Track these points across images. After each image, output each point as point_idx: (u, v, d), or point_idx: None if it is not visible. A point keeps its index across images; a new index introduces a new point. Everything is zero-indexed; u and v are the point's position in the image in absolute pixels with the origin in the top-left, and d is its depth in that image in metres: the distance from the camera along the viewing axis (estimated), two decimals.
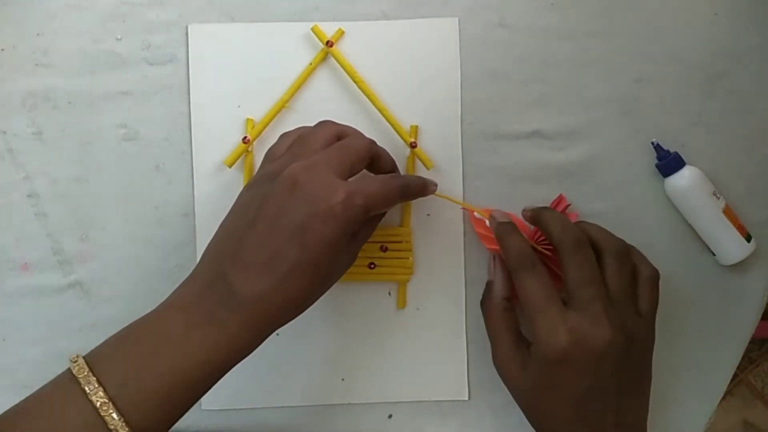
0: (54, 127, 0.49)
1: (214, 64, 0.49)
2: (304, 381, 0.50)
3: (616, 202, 0.50)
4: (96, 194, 0.49)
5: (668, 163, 0.48)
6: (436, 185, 0.46)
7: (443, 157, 0.50)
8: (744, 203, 0.49)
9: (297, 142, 0.43)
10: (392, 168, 0.46)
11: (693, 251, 0.50)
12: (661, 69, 0.50)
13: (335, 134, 0.43)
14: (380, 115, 0.49)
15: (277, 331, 0.39)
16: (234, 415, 0.50)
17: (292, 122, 0.49)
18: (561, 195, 0.49)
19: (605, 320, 0.40)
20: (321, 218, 0.37)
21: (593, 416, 0.41)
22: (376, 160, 0.44)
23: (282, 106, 0.49)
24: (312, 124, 0.45)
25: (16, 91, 0.49)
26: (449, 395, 0.50)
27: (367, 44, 0.50)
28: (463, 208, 0.49)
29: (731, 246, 0.48)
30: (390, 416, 0.50)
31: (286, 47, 0.49)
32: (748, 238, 0.48)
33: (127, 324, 0.38)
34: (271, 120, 0.49)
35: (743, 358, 0.51)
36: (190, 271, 0.40)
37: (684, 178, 0.48)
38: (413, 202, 0.49)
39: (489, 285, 0.47)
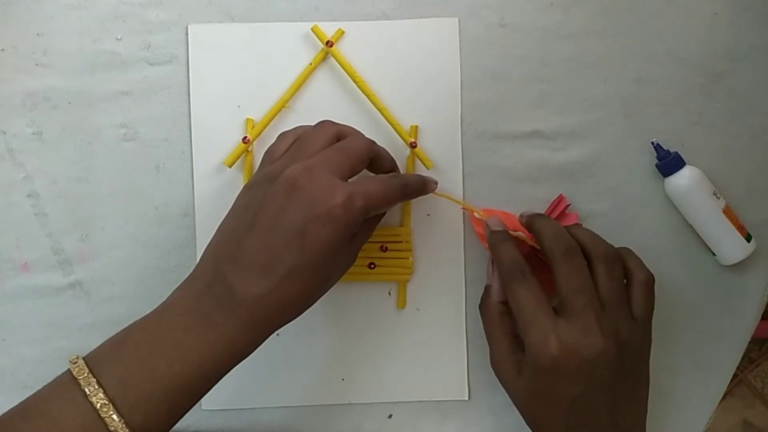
0: (54, 127, 0.49)
1: (214, 64, 0.49)
2: (304, 381, 0.50)
3: (616, 202, 0.50)
4: (96, 194, 0.49)
5: (668, 163, 0.48)
6: (436, 183, 0.46)
7: (443, 157, 0.50)
8: (744, 203, 0.49)
9: (297, 142, 0.43)
10: (392, 167, 0.46)
11: (693, 251, 0.50)
12: (661, 69, 0.50)
13: (335, 134, 0.43)
14: (380, 115, 0.49)
15: (277, 331, 0.39)
16: (234, 415, 0.50)
17: (292, 122, 0.49)
18: (561, 195, 0.49)
19: (597, 329, 0.40)
20: (320, 221, 0.37)
21: (587, 421, 0.41)
22: (376, 160, 0.44)
23: (282, 106, 0.49)
24: (312, 124, 0.45)
25: (16, 91, 0.49)
26: (449, 395, 0.50)
27: (367, 44, 0.50)
28: (463, 209, 0.49)
29: (731, 246, 0.48)
30: (390, 416, 0.50)
31: (286, 47, 0.49)
32: (748, 238, 0.48)
33: (126, 324, 0.38)
34: (271, 120, 0.49)
35: (743, 358, 0.51)
36: (190, 271, 0.40)
37: (684, 178, 0.48)
38: (413, 202, 0.49)
39: (487, 289, 0.47)
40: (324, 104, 0.49)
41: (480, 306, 0.47)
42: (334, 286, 0.41)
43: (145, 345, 0.37)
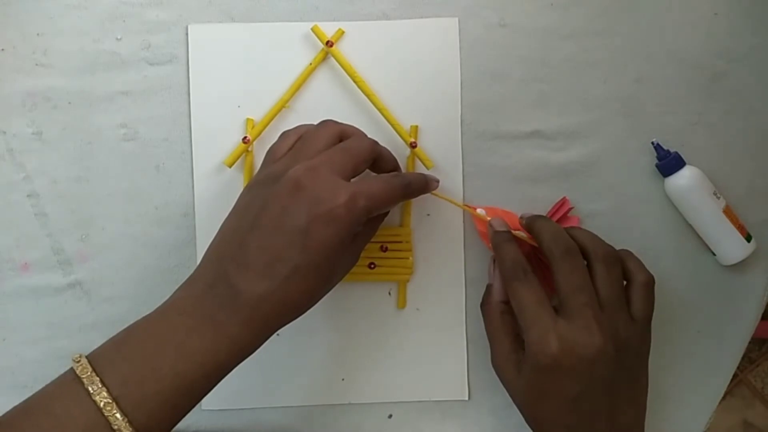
0: (54, 127, 0.49)
1: (214, 64, 0.49)
2: (304, 381, 0.50)
3: (616, 202, 0.50)
4: (96, 194, 0.49)
5: (668, 163, 0.48)
6: (437, 181, 0.46)
7: (443, 157, 0.50)
8: (744, 203, 0.49)
9: (299, 142, 0.43)
10: (394, 167, 0.46)
11: (693, 251, 0.50)
12: (661, 69, 0.50)
13: (337, 134, 0.43)
14: (380, 115, 0.49)
15: (277, 331, 0.39)
16: (234, 415, 0.50)
17: (292, 122, 0.49)
18: (564, 198, 0.49)
19: (596, 328, 0.40)
20: (323, 221, 0.37)
21: (586, 420, 0.41)
22: (378, 160, 0.44)
23: (282, 106, 0.49)
24: (313, 124, 0.45)
25: (16, 91, 0.49)
26: (449, 395, 0.50)
27: (367, 44, 0.50)
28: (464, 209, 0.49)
29: (731, 246, 0.48)
30: (390, 416, 0.50)
31: (286, 47, 0.49)
32: (748, 238, 0.48)
33: (127, 324, 0.38)
34: (271, 120, 0.49)
35: (743, 358, 0.51)
36: (191, 271, 0.40)
37: (684, 178, 0.48)
38: (413, 202, 0.49)
39: (488, 288, 0.47)
40: (324, 104, 0.49)
41: (481, 305, 0.47)
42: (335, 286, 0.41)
43: (148, 344, 0.37)
